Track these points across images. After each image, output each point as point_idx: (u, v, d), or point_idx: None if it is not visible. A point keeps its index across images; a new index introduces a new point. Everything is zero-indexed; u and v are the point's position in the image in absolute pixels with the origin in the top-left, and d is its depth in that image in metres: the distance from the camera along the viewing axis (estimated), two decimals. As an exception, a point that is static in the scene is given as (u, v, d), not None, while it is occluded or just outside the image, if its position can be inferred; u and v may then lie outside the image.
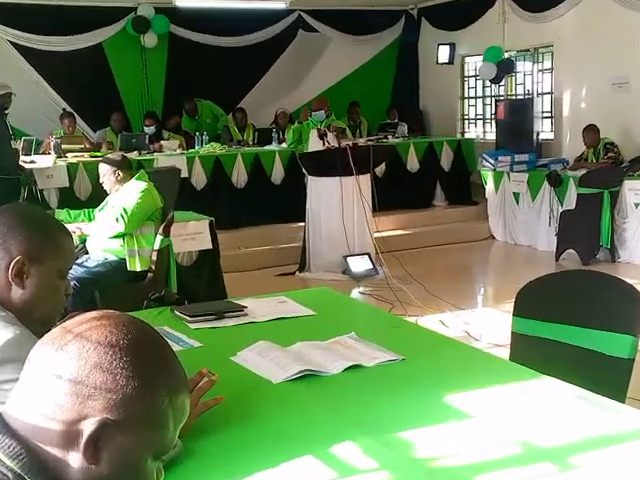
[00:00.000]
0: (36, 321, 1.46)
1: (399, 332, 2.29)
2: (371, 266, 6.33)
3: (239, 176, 7.61)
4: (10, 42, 8.63)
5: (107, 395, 0.81)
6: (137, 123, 9.25)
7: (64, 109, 8.58)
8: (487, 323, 4.96)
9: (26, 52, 8.69)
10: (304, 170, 6.83)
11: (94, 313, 0.88)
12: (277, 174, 7.75)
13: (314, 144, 6.71)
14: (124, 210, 4.11)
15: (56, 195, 6.72)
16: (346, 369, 1.88)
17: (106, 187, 4.31)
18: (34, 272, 1.46)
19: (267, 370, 1.88)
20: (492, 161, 7.90)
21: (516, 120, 8.35)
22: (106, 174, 4.25)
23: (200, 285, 5.03)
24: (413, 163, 8.49)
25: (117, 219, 4.10)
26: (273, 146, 8.06)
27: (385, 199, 7.32)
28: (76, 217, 4.36)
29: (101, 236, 4.18)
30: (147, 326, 0.89)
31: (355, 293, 5.86)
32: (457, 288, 6.01)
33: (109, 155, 4.62)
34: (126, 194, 4.20)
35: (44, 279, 1.47)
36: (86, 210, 4.43)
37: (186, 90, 9.13)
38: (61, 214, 4.31)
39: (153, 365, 0.84)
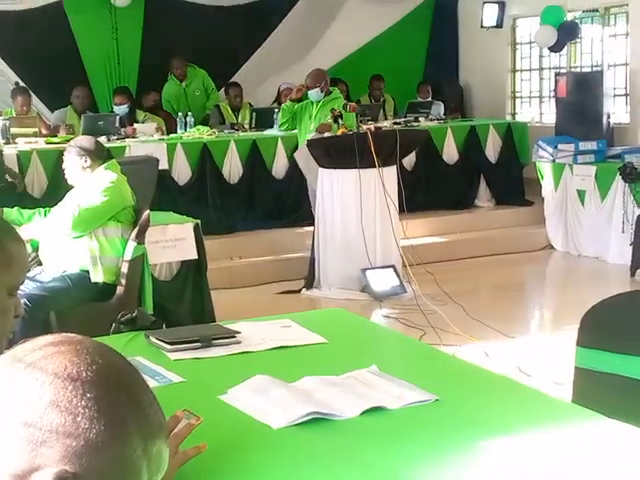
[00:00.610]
0: (-22, 348, 1.47)
1: (432, 366, 2.30)
2: (397, 282, 6.33)
3: (232, 168, 7.64)
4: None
5: (65, 441, 0.81)
6: (105, 101, 9.32)
7: (17, 83, 8.64)
8: (543, 355, 4.94)
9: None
10: (302, 165, 6.77)
11: (50, 337, 0.88)
12: (279, 166, 7.77)
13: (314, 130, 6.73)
14: (78, 205, 4.14)
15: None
16: (365, 412, 1.89)
17: (69, 177, 4.36)
18: None
19: (265, 412, 1.89)
20: (550, 150, 7.89)
21: (581, 99, 8.35)
22: (72, 160, 4.29)
23: (182, 305, 5.05)
24: (451, 152, 8.49)
25: (67, 215, 4.13)
26: (275, 131, 8.08)
27: (415, 198, 7.34)
28: (30, 218, 4.39)
29: (51, 239, 4.21)
30: (116, 355, 0.89)
31: (377, 316, 5.87)
32: (505, 311, 5.99)
33: (79, 138, 4.66)
34: (89, 187, 4.23)
35: None
36: (41, 209, 4.45)
37: (166, 61, 9.18)
38: (11, 214, 4.34)
39: (123, 404, 0.85)
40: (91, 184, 4.25)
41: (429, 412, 1.91)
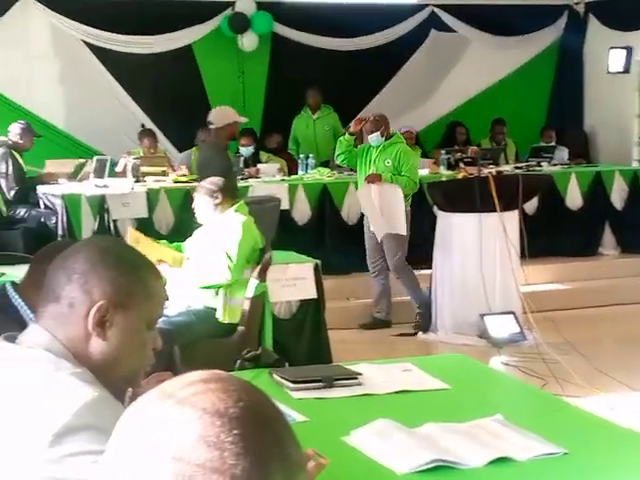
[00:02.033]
0: (117, 380, 1.51)
1: (558, 417, 2.24)
2: (517, 329, 6.20)
3: (350, 209, 7.68)
4: (84, 42, 9.14)
5: (212, 476, 0.82)
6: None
7: (143, 125, 8.95)
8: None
9: (102, 54, 9.17)
10: (364, 206, 6.62)
11: (198, 374, 0.90)
12: (398, 208, 7.76)
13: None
14: (229, 257, 4.20)
15: (132, 227, 6.96)
16: (491, 462, 1.85)
17: (199, 216, 4.44)
18: (119, 321, 1.50)
19: (389, 456, 1.88)
20: (680, 198, 7.62)
21: None
22: (203, 199, 4.38)
23: (300, 343, 5.07)
24: (575, 198, 8.32)
25: (222, 268, 4.19)
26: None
27: (537, 243, 7.18)
28: None
29: (197, 285, 4.28)
30: (261, 393, 0.90)
31: (495, 363, 5.75)
32: (632, 363, 5.78)
33: (211, 178, 4.75)
34: (225, 230, 4.29)
35: (130, 329, 1.52)
36: (170, 243, 4.55)
37: (291, 104, 9.35)
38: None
39: (268, 442, 0.86)
40: (222, 224, 4.31)
41: (558, 465, 1.86)
